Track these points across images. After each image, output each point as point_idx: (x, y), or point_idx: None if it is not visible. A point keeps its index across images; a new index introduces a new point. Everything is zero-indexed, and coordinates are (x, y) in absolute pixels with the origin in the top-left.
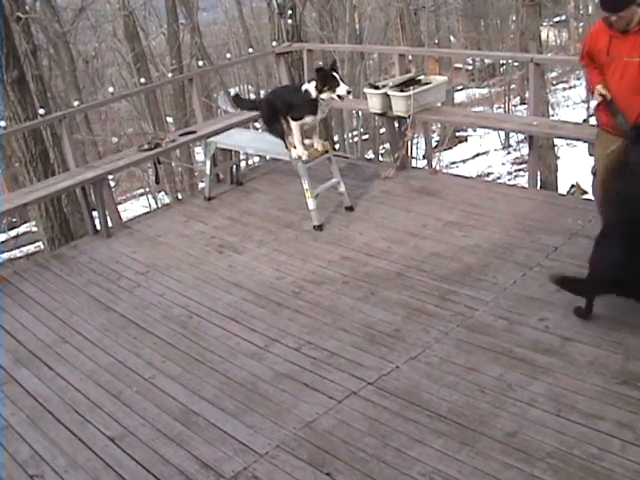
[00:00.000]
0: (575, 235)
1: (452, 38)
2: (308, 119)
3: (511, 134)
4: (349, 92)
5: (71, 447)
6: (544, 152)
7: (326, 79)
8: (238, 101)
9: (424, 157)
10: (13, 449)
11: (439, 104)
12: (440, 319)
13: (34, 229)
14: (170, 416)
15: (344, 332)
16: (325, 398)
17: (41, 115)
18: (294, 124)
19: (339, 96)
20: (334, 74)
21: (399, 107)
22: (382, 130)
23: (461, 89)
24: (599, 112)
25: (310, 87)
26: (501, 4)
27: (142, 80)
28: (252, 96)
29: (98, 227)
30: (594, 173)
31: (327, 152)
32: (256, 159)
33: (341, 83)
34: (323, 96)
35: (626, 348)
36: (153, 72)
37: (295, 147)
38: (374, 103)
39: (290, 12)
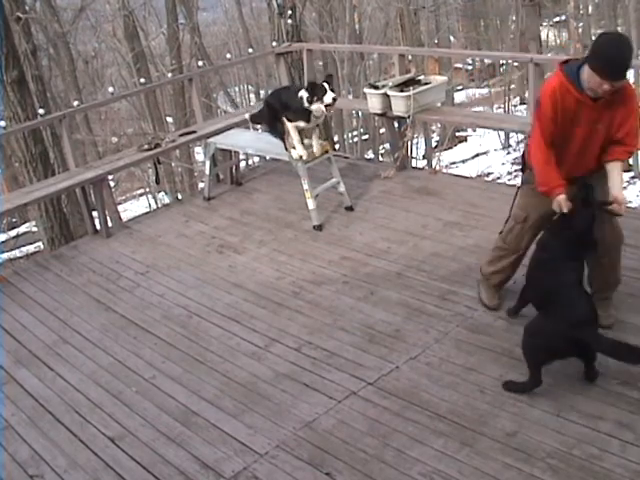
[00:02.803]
0: None
1: (452, 38)
2: (301, 124)
3: (511, 134)
4: (334, 100)
5: (71, 447)
6: None
7: (315, 89)
8: (254, 118)
9: (424, 157)
10: (13, 449)
11: (439, 104)
12: (440, 319)
13: (34, 229)
14: (170, 416)
15: (344, 332)
16: (325, 398)
17: (41, 115)
18: (289, 125)
19: (326, 105)
20: (324, 84)
21: (399, 107)
22: (382, 130)
23: (461, 89)
24: (545, 179)
25: (305, 95)
26: (501, 4)
27: (142, 80)
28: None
29: (98, 227)
30: (517, 222)
31: (327, 152)
32: (256, 159)
33: (328, 91)
34: (313, 107)
35: None
36: (153, 72)
37: (295, 147)
38: (374, 103)
39: (290, 12)
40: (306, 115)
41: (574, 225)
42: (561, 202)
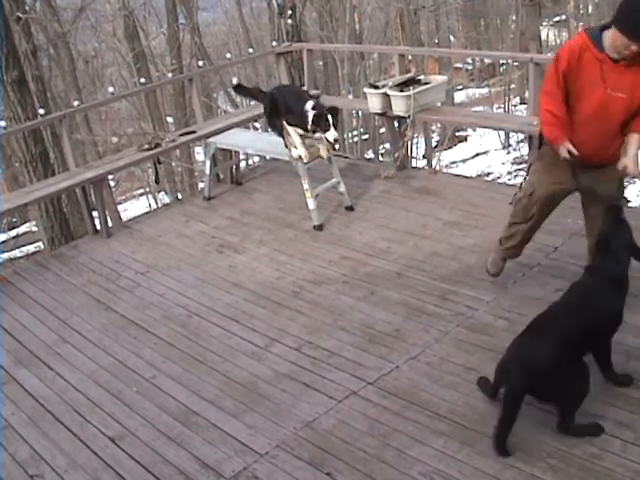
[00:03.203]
0: (575, 235)
1: (452, 38)
2: (300, 131)
3: (511, 134)
4: (336, 140)
5: (71, 447)
6: None
7: (320, 121)
8: (239, 89)
9: (424, 157)
10: (13, 449)
11: (439, 104)
12: (440, 319)
13: (34, 229)
14: (170, 416)
15: (344, 332)
16: (325, 398)
17: (41, 115)
18: (289, 128)
19: (328, 140)
20: (328, 117)
21: (399, 107)
22: (382, 130)
23: (461, 89)
24: (550, 127)
25: (310, 112)
26: (501, 4)
27: (142, 80)
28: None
29: (98, 227)
30: (525, 194)
31: (327, 152)
32: (256, 159)
33: (331, 128)
34: (316, 135)
35: (626, 348)
36: (153, 72)
37: (295, 147)
38: (374, 103)
39: (290, 12)
40: (305, 125)
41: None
42: (568, 147)
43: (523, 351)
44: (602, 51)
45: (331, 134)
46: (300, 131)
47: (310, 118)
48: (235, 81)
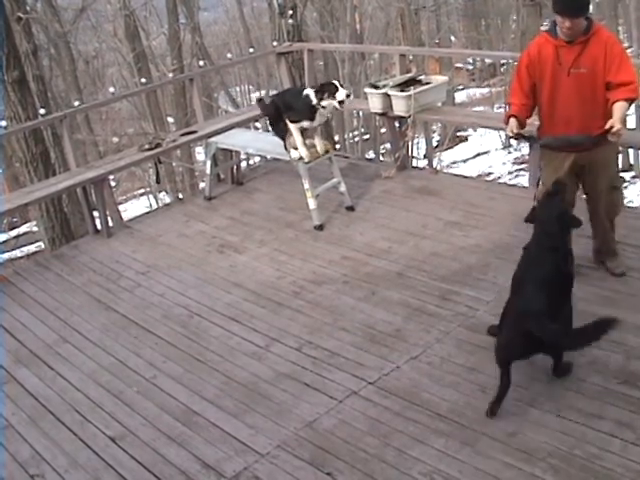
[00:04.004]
0: (575, 235)
1: (453, 38)
2: (305, 123)
3: None
4: (348, 95)
5: (72, 447)
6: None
7: (325, 86)
8: (260, 106)
9: (425, 157)
10: (14, 449)
11: (440, 104)
12: (441, 319)
13: (35, 229)
14: (171, 416)
15: (345, 332)
16: (326, 398)
17: (42, 115)
18: (292, 126)
19: (340, 102)
20: (333, 81)
21: (400, 107)
22: (383, 130)
23: (462, 89)
24: (506, 114)
25: (311, 92)
26: (502, 4)
27: (143, 80)
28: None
29: (99, 227)
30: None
31: (328, 152)
32: (257, 159)
33: (340, 88)
34: (324, 103)
35: (626, 348)
36: (154, 72)
37: (295, 148)
38: (375, 103)
39: (291, 12)
40: (311, 114)
41: (537, 215)
42: (511, 125)
43: (526, 308)
44: (557, 37)
45: (341, 93)
46: (306, 124)
47: (313, 93)
48: (258, 96)
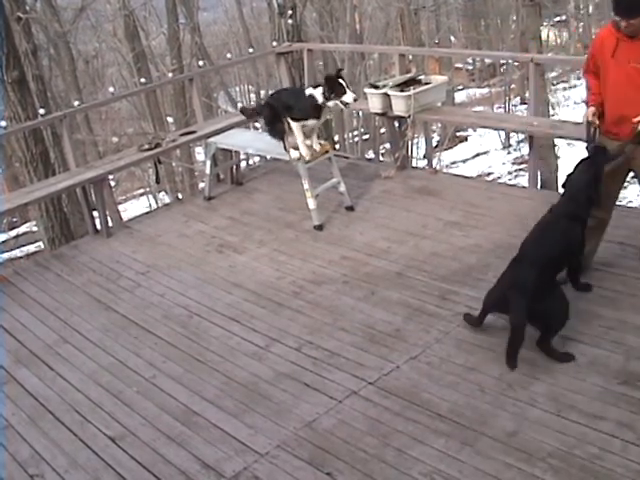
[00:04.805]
0: None
1: (452, 38)
2: (310, 122)
3: (511, 134)
4: (356, 100)
5: (71, 447)
6: (544, 152)
7: (334, 86)
8: (245, 113)
9: (424, 157)
10: (13, 449)
11: (439, 104)
12: (440, 319)
13: (34, 229)
14: (171, 416)
15: (344, 332)
16: (326, 398)
17: (41, 115)
18: (295, 125)
19: (346, 104)
20: (341, 81)
21: (399, 107)
22: (382, 130)
23: (461, 89)
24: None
25: (316, 93)
26: (501, 4)
27: (142, 80)
28: (252, 104)
29: (98, 227)
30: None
31: (327, 152)
32: (256, 159)
33: (348, 91)
34: (330, 103)
35: (626, 348)
36: (153, 72)
37: (294, 148)
38: (374, 103)
39: (290, 12)
40: (317, 112)
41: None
42: (588, 112)
43: (514, 277)
44: (619, 30)
45: (349, 96)
46: (311, 122)
47: (319, 92)
48: (240, 107)
